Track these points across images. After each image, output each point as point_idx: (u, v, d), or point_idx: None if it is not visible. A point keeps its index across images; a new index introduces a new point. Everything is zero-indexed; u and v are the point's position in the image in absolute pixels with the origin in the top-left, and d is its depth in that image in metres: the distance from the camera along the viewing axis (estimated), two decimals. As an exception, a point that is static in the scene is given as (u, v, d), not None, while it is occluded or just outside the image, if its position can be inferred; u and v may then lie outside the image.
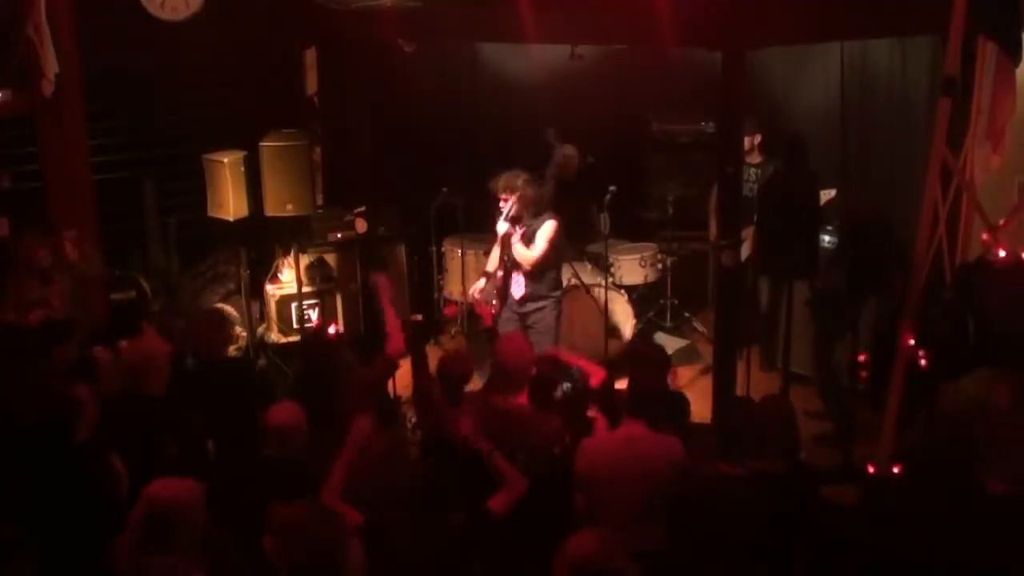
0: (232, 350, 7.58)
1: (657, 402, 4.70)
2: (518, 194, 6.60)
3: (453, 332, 8.42)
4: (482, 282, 7.12)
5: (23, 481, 4.35)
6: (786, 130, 7.79)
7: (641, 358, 5.21)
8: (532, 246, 6.68)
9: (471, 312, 8.05)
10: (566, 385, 5.62)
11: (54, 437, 4.39)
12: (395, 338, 5.46)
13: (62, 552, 4.25)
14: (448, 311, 7.93)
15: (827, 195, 7.35)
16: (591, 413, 5.26)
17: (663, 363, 5.22)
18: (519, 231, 6.73)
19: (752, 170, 7.62)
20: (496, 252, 7.02)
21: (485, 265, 7.29)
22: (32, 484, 4.35)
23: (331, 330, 5.86)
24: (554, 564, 3.44)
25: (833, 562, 3.98)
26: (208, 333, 5.72)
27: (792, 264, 6.72)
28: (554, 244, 6.71)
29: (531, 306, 6.82)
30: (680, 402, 5.30)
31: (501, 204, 6.69)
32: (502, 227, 6.72)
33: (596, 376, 5.38)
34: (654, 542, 4.07)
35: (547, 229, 6.67)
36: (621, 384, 5.55)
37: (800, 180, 6.86)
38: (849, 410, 6.63)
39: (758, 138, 7.61)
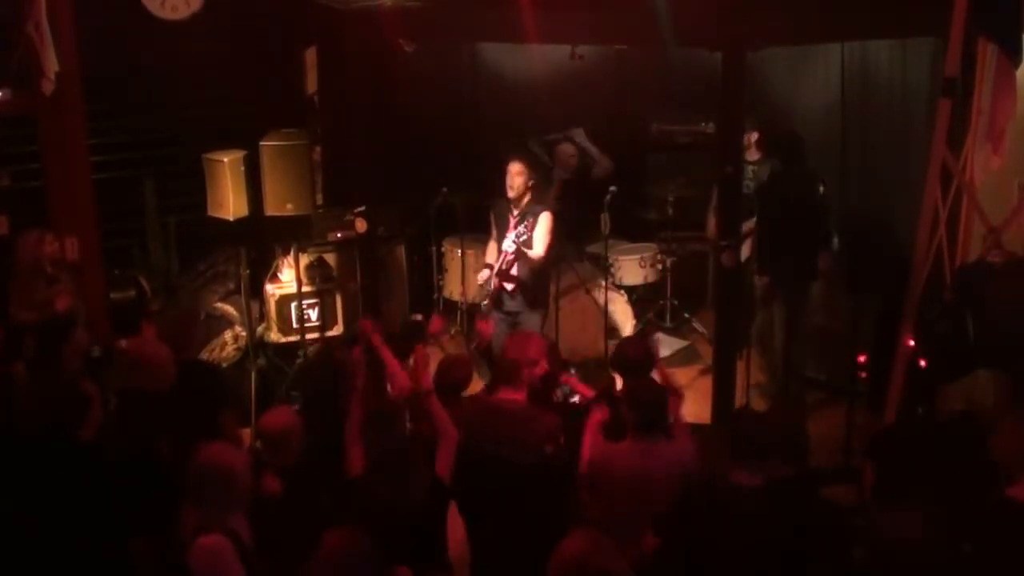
0: (232, 350, 7.61)
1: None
2: (528, 170, 6.74)
3: (452, 331, 8.42)
4: (485, 273, 7.13)
5: (30, 478, 4.35)
6: (785, 130, 7.79)
7: (632, 363, 5.11)
8: (535, 242, 6.71)
9: (470, 316, 8.06)
10: (565, 388, 5.64)
11: (63, 434, 4.39)
12: (399, 377, 5.33)
13: (67, 549, 4.25)
14: (433, 328, 7.75)
15: None
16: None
17: (649, 364, 5.14)
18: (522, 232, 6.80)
19: (750, 168, 7.62)
20: (493, 247, 7.03)
21: (484, 266, 7.29)
22: (39, 481, 4.34)
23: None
24: (548, 563, 3.44)
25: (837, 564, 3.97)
26: (176, 333, 5.62)
27: (792, 264, 6.73)
28: (555, 235, 6.81)
29: (520, 306, 6.84)
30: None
31: (514, 223, 6.74)
32: (510, 246, 6.75)
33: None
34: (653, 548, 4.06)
35: (546, 221, 6.76)
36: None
37: (798, 179, 6.87)
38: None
39: (755, 136, 7.61)
